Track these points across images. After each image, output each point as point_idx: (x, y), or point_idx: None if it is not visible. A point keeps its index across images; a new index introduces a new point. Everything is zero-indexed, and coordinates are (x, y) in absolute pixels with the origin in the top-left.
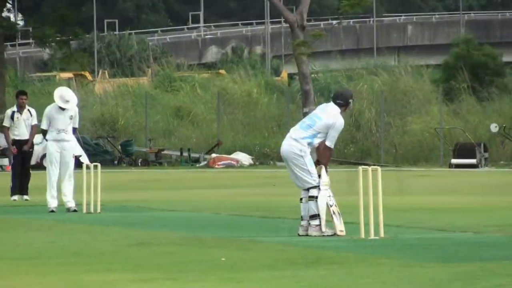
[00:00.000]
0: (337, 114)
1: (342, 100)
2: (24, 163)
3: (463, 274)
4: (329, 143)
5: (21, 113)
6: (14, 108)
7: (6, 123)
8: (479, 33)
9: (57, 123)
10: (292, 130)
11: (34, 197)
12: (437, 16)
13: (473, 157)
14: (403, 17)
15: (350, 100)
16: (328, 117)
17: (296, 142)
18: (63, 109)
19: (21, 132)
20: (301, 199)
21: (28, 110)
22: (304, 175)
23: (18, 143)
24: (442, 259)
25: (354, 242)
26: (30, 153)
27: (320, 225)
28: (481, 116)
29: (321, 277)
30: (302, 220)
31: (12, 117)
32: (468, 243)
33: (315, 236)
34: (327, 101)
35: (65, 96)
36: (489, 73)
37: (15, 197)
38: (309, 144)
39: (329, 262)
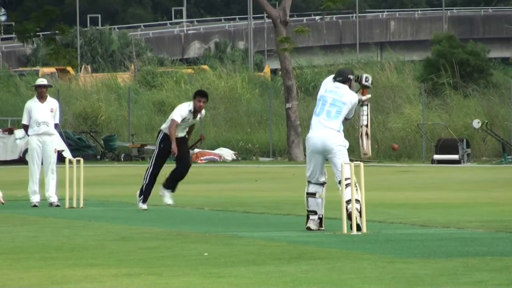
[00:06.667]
0: (352, 91)
1: (353, 75)
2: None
3: (446, 269)
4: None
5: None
6: (191, 107)
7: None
8: (461, 29)
9: (36, 115)
10: (323, 121)
11: (17, 192)
12: (419, 12)
13: (456, 153)
14: (385, 13)
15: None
16: (349, 98)
17: (338, 133)
18: (42, 101)
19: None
20: (314, 194)
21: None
22: (337, 168)
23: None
24: (424, 255)
25: (337, 238)
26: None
27: (321, 220)
28: (463, 112)
29: (304, 272)
30: (314, 214)
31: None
32: (450, 239)
33: (312, 230)
34: (310, 96)
35: (42, 80)
36: (471, 70)
37: (145, 206)
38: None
39: (312, 257)
